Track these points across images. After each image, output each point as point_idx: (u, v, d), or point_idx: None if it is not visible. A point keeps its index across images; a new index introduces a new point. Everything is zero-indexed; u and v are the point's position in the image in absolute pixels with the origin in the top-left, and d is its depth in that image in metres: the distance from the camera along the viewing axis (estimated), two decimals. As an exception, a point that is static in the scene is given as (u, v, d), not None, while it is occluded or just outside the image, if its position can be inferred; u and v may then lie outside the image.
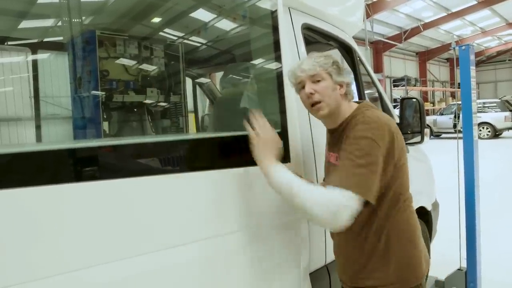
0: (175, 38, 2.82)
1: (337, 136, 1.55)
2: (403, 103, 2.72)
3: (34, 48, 3.23)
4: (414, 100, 2.69)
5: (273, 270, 1.77)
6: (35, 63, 3.26)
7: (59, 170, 1.21)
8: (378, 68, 25.22)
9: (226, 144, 1.76)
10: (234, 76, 2.46)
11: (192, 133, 3.51)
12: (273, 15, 1.85)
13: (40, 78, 3.36)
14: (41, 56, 3.31)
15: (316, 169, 2.03)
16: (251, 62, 2.22)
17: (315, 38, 2.42)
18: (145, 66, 2.84)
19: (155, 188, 1.38)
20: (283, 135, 1.82)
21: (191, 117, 3.83)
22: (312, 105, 1.51)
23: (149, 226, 1.35)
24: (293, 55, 2.02)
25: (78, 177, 1.22)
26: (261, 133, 1.54)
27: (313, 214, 1.32)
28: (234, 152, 1.73)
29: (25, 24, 2.85)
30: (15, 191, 1.09)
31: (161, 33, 2.93)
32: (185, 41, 2.81)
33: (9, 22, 2.81)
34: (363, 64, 2.67)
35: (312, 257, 1.98)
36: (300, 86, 1.54)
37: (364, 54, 17.81)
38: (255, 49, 2.10)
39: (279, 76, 1.85)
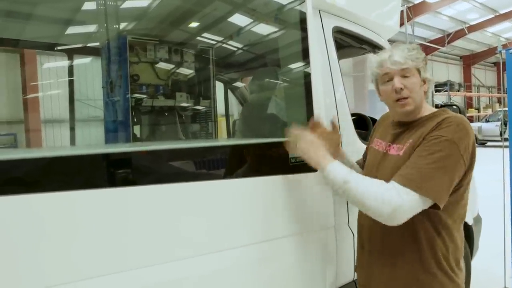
0: (205, 42, 2.81)
1: (407, 130, 1.46)
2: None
3: (76, 53, 3.34)
4: (455, 107, 2.53)
5: (294, 284, 1.69)
6: (77, 68, 3.37)
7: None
8: (419, 73, 24.34)
9: (252, 151, 1.70)
10: (262, 81, 2.42)
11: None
12: (302, 18, 1.79)
13: (82, 82, 3.49)
14: (82, 60, 3.43)
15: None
16: (279, 66, 2.16)
17: (348, 42, 2.33)
18: (178, 71, 2.85)
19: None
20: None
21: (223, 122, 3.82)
22: (397, 100, 1.42)
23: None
24: (323, 59, 1.95)
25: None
26: (299, 140, 1.51)
27: (369, 210, 1.31)
28: (257, 160, 1.67)
29: (69, 30, 2.94)
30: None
31: (193, 38, 2.94)
32: (215, 45, 2.79)
33: (54, 28, 2.91)
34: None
35: (339, 271, 1.88)
36: (386, 78, 1.44)
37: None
38: (283, 53, 2.05)
39: (307, 80, 1.78)
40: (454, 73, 28.22)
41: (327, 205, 1.83)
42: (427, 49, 23.83)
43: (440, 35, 23.29)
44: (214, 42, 2.77)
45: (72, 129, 3.87)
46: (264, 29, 2.22)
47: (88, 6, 2.49)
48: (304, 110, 1.79)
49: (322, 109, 1.83)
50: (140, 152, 1.46)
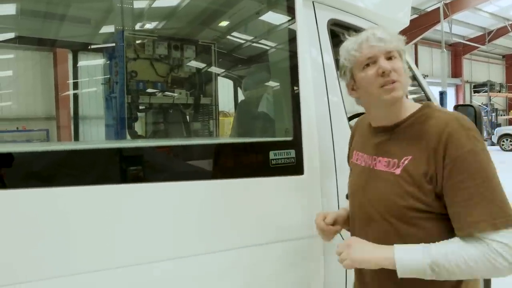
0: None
1: (393, 137, 1.23)
2: (457, 110, 2.37)
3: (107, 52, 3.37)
4: (471, 107, 2.31)
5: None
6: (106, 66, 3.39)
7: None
8: (456, 73, 23.36)
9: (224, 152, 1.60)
10: (254, 79, 2.31)
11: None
12: (290, 10, 1.67)
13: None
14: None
15: (337, 183, 1.79)
16: (268, 63, 2.04)
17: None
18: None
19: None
20: (296, 143, 1.63)
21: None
22: (383, 85, 1.18)
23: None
24: (316, 54, 1.81)
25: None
26: (353, 244, 1.19)
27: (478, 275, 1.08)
28: (235, 160, 1.57)
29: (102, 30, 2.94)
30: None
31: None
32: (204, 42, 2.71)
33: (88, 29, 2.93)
34: (408, 65, 2.35)
35: (328, 284, 1.74)
36: (366, 62, 1.19)
37: (440, 57, 16.53)
38: (272, 49, 1.93)
39: (294, 77, 1.66)
40: (495, 73, 26.83)
41: (313, 210, 1.68)
42: (465, 48, 22.80)
43: (480, 33, 22.17)
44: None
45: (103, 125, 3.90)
46: (251, 23, 2.11)
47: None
48: (291, 107, 1.67)
49: (311, 106, 1.70)
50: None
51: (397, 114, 1.23)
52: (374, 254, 1.13)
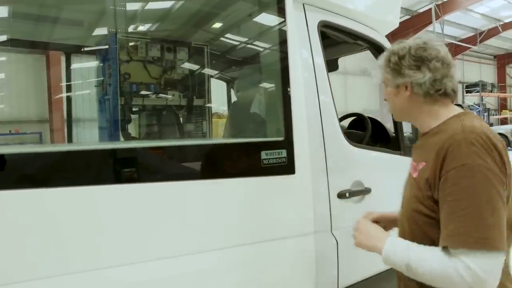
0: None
1: (423, 144, 1.25)
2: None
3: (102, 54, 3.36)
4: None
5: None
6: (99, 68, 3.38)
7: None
8: (449, 73, 23.55)
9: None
10: (246, 80, 2.33)
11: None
12: (281, 12, 1.70)
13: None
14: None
15: (328, 182, 1.82)
16: (259, 64, 2.06)
17: (341, 38, 2.20)
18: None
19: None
20: (287, 143, 1.65)
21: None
22: None
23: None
24: (306, 55, 1.84)
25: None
26: (359, 228, 1.32)
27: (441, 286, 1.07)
28: (226, 160, 1.59)
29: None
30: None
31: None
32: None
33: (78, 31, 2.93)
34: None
35: (320, 284, 1.76)
36: None
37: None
38: (263, 51, 1.95)
39: (285, 78, 1.68)
40: (487, 73, 27.07)
41: (305, 209, 1.71)
42: (457, 49, 22.98)
43: (471, 34, 22.36)
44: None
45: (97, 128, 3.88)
46: (243, 25, 2.13)
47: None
48: (282, 108, 1.69)
49: (302, 108, 1.72)
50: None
51: (421, 125, 1.28)
52: (369, 242, 1.24)
